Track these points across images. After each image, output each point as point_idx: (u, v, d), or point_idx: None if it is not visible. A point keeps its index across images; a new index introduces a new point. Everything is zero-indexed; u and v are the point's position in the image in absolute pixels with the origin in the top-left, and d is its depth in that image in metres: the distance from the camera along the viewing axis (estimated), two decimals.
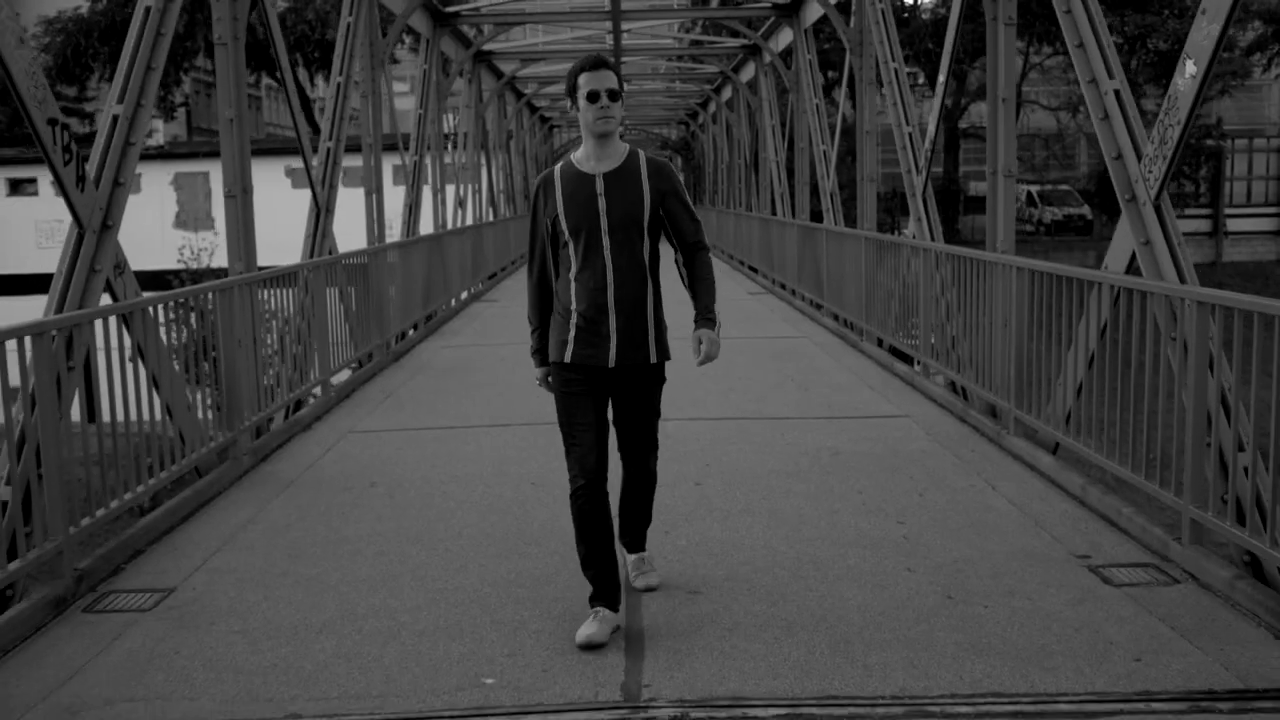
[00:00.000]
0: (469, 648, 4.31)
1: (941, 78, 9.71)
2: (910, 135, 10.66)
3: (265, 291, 8.05)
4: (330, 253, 10.69)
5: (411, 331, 13.60)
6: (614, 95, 4.33)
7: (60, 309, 5.73)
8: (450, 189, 20.21)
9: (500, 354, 12.17)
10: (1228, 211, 44.66)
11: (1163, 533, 5.28)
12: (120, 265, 6.21)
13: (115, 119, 6.33)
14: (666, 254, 4.53)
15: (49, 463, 4.93)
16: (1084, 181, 47.18)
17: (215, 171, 33.72)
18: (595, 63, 4.35)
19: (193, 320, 6.92)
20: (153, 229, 34.66)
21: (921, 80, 38.64)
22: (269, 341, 8.54)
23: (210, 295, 7.04)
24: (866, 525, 5.73)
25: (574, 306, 4.37)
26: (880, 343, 11.47)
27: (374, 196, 12.99)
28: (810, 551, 5.33)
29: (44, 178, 35.31)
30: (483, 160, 24.07)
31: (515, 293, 19.72)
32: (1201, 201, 44.21)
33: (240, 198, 8.16)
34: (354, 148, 13.69)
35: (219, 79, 8.08)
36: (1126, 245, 6.18)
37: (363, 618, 4.65)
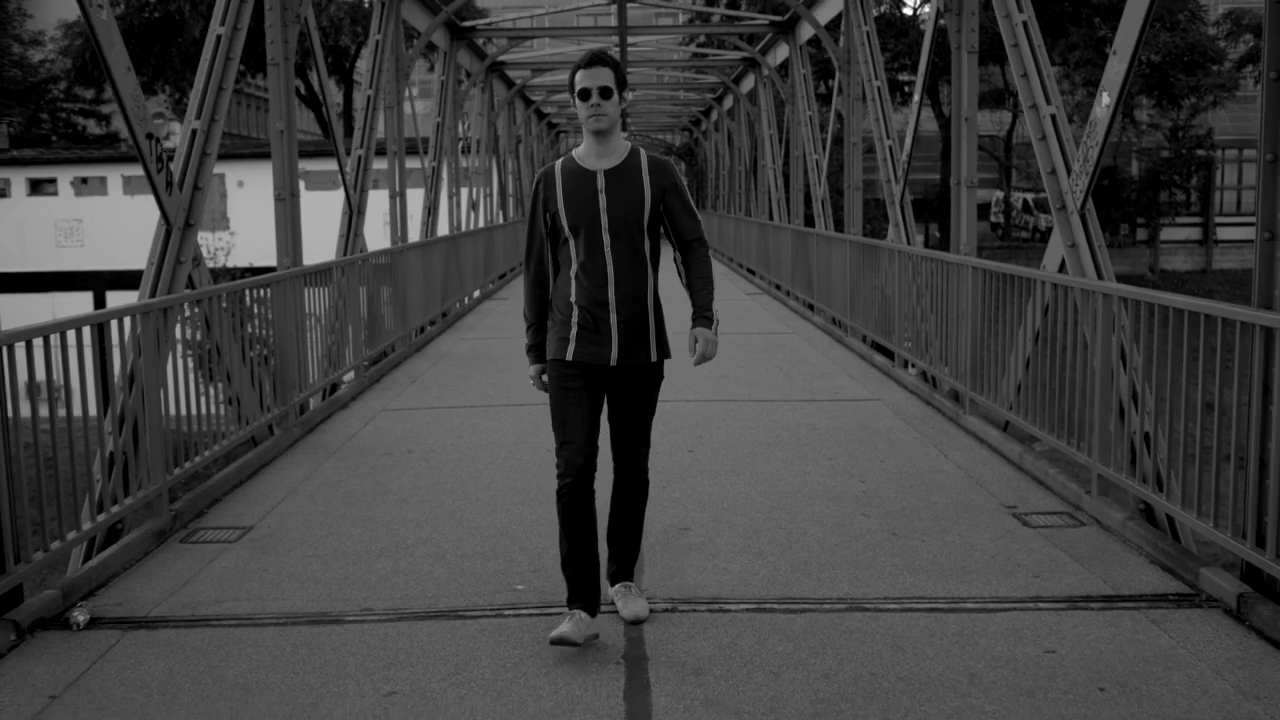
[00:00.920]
0: (501, 566, 5.35)
1: (916, 97, 10.74)
2: (890, 148, 11.70)
3: (307, 286, 9.11)
4: (360, 251, 11.73)
5: (430, 326, 14.64)
6: (606, 93, 4.29)
7: (153, 294, 6.78)
8: (464, 192, 21.27)
9: (514, 345, 13.19)
10: (1218, 220, 45.76)
11: (1078, 488, 6.31)
12: (197, 258, 7.25)
13: (194, 132, 7.38)
14: (666, 252, 5.05)
15: (151, 420, 5.96)
16: None
17: (230, 173, 34.85)
18: (590, 60, 4.32)
19: (254, 308, 7.96)
20: None
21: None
22: (311, 327, 9.57)
23: (264, 289, 8.09)
24: (832, 483, 6.76)
25: (574, 303, 4.37)
26: (865, 339, 12.50)
27: (398, 200, 14.03)
28: (783, 502, 6.37)
29: (64, 178, 36.41)
30: (493, 165, 25.14)
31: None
32: (1192, 210, 45.32)
33: (289, 200, 9.21)
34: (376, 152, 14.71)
35: (271, 94, 9.14)
36: (1058, 248, 7.21)
37: (412, 546, 5.69)
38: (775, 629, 4.53)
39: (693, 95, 34.40)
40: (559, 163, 4.46)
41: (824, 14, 16.24)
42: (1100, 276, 6.80)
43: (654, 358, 4.46)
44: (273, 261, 9.80)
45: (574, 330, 4.37)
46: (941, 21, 9.64)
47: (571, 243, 4.36)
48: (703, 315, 4.47)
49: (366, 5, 41.06)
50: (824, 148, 17.04)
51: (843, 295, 13.39)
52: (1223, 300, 5.61)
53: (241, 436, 7.20)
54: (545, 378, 4.53)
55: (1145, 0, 6.00)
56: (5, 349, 4.61)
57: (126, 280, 30.41)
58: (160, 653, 4.43)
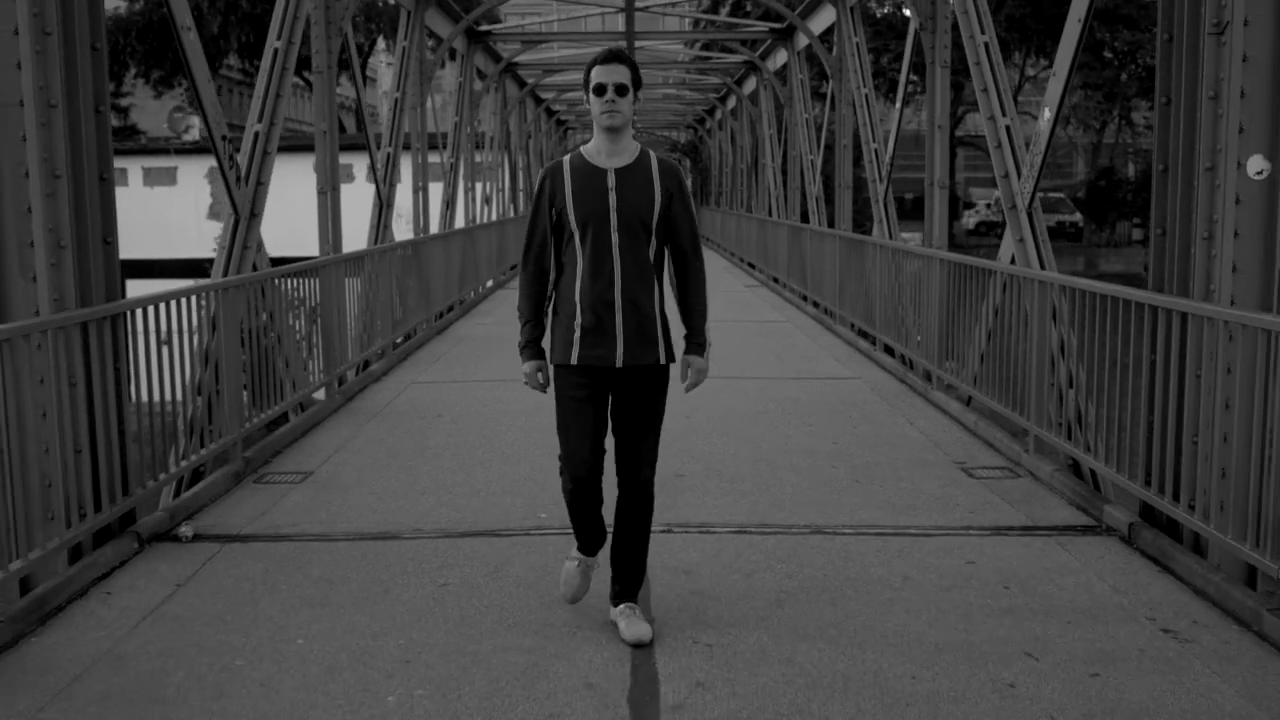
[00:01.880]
0: (527, 500, 6.42)
1: (898, 105, 11.80)
2: (876, 150, 12.76)
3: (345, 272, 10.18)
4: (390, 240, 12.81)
5: (448, 312, 15.72)
6: (621, 90, 4.22)
7: (226, 274, 7.85)
8: (479, 186, 22.37)
9: None
10: None
11: (1019, 448, 7.37)
12: (260, 246, 8.33)
13: (256, 134, 8.45)
14: None
15: (229, 378, 7.03)
16: (1079, 189, 49.22)
17: None
18: (607, 57, 4.25)
19: (304, 289, 9.03)
20: (189, 220, 36.72)
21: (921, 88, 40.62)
22: (348, 309, 10.66)
23: (312, 275, 9.16)
24: (809, 443, 7.83)
25: (579, 303, 4.28)
26: (852, 326, 13.56)
27: (421, 194, 15.11)
28: (765, 456, 7.43)
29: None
30: (505, 161, 26.23)
31: None
32: None
33: (329, 194, 10.29)
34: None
35: (315, 97, 10.21)
36: (1010, 242, 8.26)
37: (451, 487, 6.75)
38: (751, 545, 5.61)
39: (697, 95, 35.48)
40: (567, 158, 4.37)
41: (819, 23, 17.28)
42: (1042, 267, 7.85)
43: (662, 360, 4.39)
44: (289, 251, 10.90)
45: (578, 332, 4.30)
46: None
47: (577, 241, 4.27)
48: (696, 341, 4.47)
49: (380, 4, 42.16)
50: (819, 148, 18.10)
51: (832, 286, 14.44)
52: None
53: (298, 398, 8.27)
54: (541, 376, 4.50)
55: (1077, 31, 7.05)
56: (129, 313, 5.68)
57: (144, 270, 31.23)
58: (256, 557, 5.51)
